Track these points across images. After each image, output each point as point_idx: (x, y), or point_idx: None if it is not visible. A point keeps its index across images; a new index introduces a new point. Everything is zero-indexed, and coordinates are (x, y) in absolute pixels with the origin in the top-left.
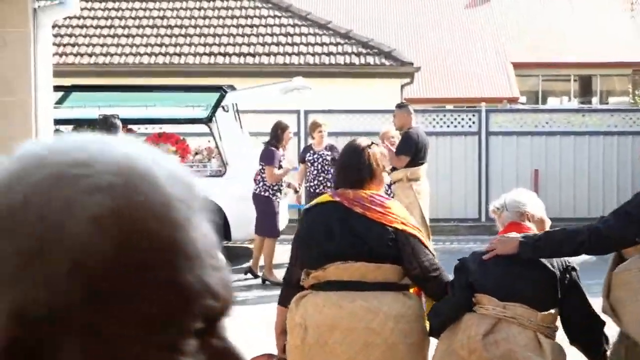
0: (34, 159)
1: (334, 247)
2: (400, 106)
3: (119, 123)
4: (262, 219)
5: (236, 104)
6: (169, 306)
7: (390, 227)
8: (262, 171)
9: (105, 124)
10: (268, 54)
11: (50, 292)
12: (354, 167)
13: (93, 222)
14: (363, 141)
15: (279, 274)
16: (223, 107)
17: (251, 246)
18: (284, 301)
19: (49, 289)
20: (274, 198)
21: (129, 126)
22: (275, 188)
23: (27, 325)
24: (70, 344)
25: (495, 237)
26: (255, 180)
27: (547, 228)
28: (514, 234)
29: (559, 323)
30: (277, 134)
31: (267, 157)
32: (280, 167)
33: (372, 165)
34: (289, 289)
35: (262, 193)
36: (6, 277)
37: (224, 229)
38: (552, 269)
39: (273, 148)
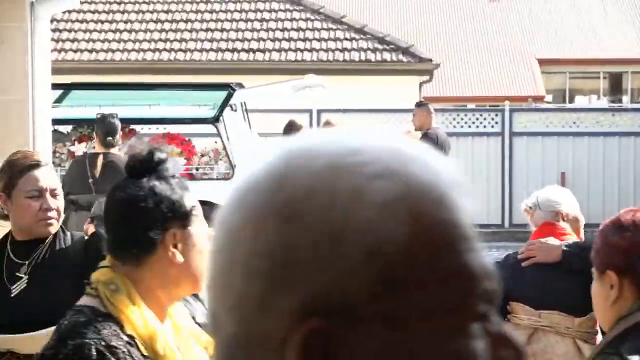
0: (303, 151)
1: None
2: (419, 105)
3: (117, 123)
4: None
5: (245, 103)
6: (458, 290)
7: None
8: None
9: (103, 124)
10: (279, 50)
11: (345, 283)
12: None
13: (383, 207)
14: None
15: None
16: (231, 106)
17: None
18: None
19: (344, 279)
20: None
21: (132, 126)
22: None
23: (322, 319)
24: (364, 336)
25: (531, 241)
26: None
27: (582, 226)
28: (552, 240)
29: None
30: (290, 135)
31: None
32: None
33: None
34: None
35: None
36: (297, 269)
37: None
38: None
39: None
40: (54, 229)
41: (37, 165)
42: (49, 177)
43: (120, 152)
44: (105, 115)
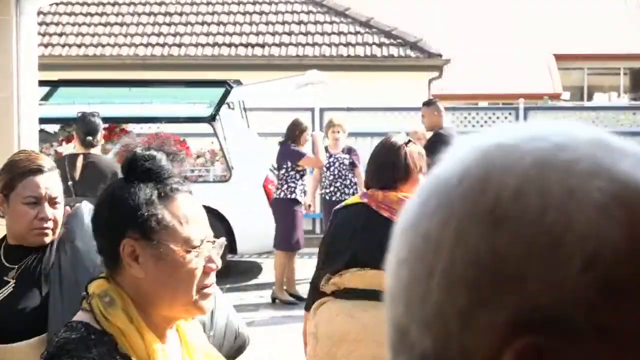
0: (503, 149)
1: (351, 252)
2: (428, 104)
3: (98, 122)
4: (285, 228)
5: (243, 101)
6: None
7: None
8: (288, 173)
9: (83, 123)
10: (279, 45)
11: (561, 293)
12: (387, 166)
13: (601, 209)
14: (399, 138)
15: (302, 290)
16: (228, 104)
17: (260, 261)
18: (308, 307)
19: (560, 288)
20: (300, 200)
21: (123, 125)
22: (301, 189)
23: (535, 334)
24: (579, 351)
25: None
26: (278, 184)
27: None
28: None
29: None
30: (295, 134)
31: (295, 153)
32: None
33: (409, 165)
34: (314, 294)
35: (288, 196)
36: (507, 279)
37: (228, 240)
38: None
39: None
40: (48, 239)
41: (39, 170)
42: (50, 184)
43: (109, 153)
44: (86, 114)
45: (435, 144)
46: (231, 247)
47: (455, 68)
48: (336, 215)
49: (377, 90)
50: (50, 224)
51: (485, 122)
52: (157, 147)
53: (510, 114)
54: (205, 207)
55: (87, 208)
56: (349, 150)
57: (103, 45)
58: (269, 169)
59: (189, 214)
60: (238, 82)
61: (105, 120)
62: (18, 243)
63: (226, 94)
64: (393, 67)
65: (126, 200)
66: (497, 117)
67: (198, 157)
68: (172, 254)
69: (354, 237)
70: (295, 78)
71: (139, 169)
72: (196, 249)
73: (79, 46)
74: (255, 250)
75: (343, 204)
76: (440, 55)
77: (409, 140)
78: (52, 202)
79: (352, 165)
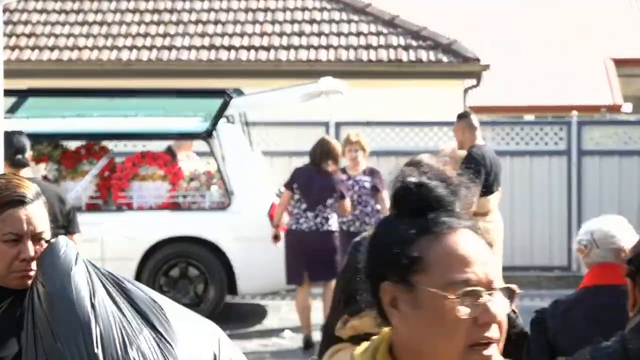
0: None
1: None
2: (459, 117)
3: (26, 140)
4: (336, 259)
5: (244, 114)
6: None
7: None
8: (335, 203)
9: (11, 142)
10: (287, 47)
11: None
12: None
13: None
14: (429, 159)
15: (315, 337)
16: (227, 118)
17: (264, 303)
18: (321, 355)
19: None
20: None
21: (103, 143)
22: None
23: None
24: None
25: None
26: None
27: None
28: None
29: None
30: (321, 156)
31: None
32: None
33: None
34: (328, 340)
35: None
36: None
37: (227, 279)
38: None
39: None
40: (31, 281)
41: (20, 201)
42: (34, 217)
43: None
44: (11, 132)
45: (466, 163)
46: (231, 286)
47: (495, 75)
48: (356, 248)
49: (403, 101)
50: (34, 265)
51: (532, 138)
52: (434, 175)
53: (561, 129)
54: (199, 239)
55: (64, 243)
56: (371, 172)
57: (80, 48)
58: (275, 194)
59: (466, 254)
60: (239, 92)
61: (82, 136)
62: None
63: (225, 106)
64: (422, 73)
65: (388, 237)
66: (546, 133)
67: (191, 180)
68: (430, 300)
69: None
70: (307, 86)
71: (407, 199)
72: (468, 295)
73: (52, 49)
74: (259, 291)
75: (365, 234)
76: (478, 60)
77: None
78: (37, 238)
79: (374, 190)
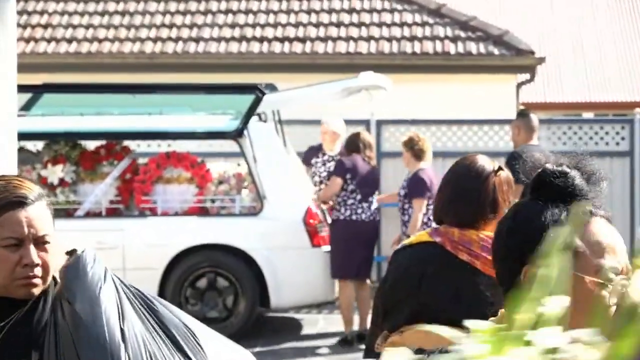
0: None
1: (417, 304)
2: (519, 115)
3: None
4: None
5: (278, 111)
6: None
7: None
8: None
9: None
10: (324, 39)
11: None
12: (469, 197)
13: None
14: (486, 162)
15: None
16: (259, 116)
17: (299, 317)
18: None
19: None
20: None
21: (124, 143)
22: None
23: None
24: None
25: None
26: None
27: None
28: None
29: None
30: (353, 153)
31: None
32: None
33: (497, 200)
34: (367, 357)
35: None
36: None
37: (259, 291)
38: None
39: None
40: (38, 289)
41: (21, 202)
42: (37, 219)
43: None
44: None
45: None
46: (263, 299)
47: (550, 69)
48: (397, 257)
49: (450, 97)
50: (38, 271)
51: (591, 138)
52: (571, 164)
53: (623, 128)
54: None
55: (92, 257)
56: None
57: (100, 40)
58: (312, 198)
59: (611, 242)
60: (272, 87)
61: (102, 135)
62: (1, 295)
63: (256, 102)
64: (471, 67)
65: (531, 222)
66: (607, 133)
67: (220, 183)
68: (580, 285)
69: (421, 285)
70: (345, 82)
71: (548, 187)
72: (610, 282)
73: (70, 41)
74: (294, 304)
75: (406, 241)
76: (533, 52)
77: (500, 167)
78: (40, 241)
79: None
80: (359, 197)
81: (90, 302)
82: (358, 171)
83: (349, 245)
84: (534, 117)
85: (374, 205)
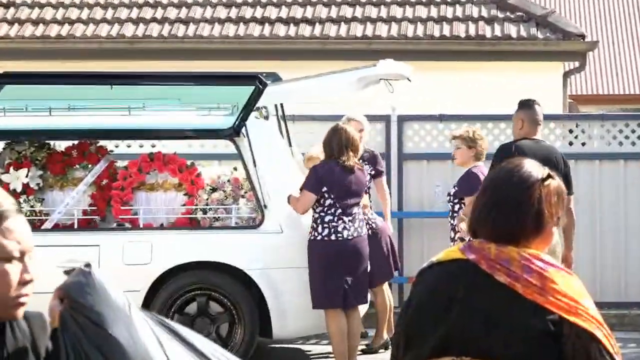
0: None
1: (445, 333)
2: (521, 105)
3: None
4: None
5: (281, 106)
6: None
7: (551, 313)
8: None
9: None
10: (336, 21)
11: None
12: (510, 208)
13: None
14: (534, 168)
15: None
16: (260, 110)
17: (307, 348)
18: None
19: None
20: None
21: (100, 143)
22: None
23: None
24: None
25: None
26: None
27: None
28: None
29: None
30: (333, 145)
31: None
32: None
33: (543, 212)
34: None
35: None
36: None
37: (260, 318)
38: None
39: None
40: (22, 311)
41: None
42: (17, 233)
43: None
44: None
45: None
46: (264, 327)
47: (604, 56)
48: (422, 277)
49: (485, 89)
50: (30, 289)
51: None
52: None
53: None
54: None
55: (104, 274)
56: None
57: (72, 22)
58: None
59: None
60: (275, 77)
61: (74, 134)
62: None
63: (257, 95)
64: (510, 53)
65: None
66: None
67: (213, 190)
68: None
69: (451, 310)
70: (362, 71)
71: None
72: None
73: (36, 23)
74: (300, 333)
75: (434, 259)
76: (583, 37)
77: (550, 175)
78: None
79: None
80: (338, 211)
81: (126, 326)
82: (335, 181)
83: (331, 270)
84: (539, 109)
85: (360, 217)
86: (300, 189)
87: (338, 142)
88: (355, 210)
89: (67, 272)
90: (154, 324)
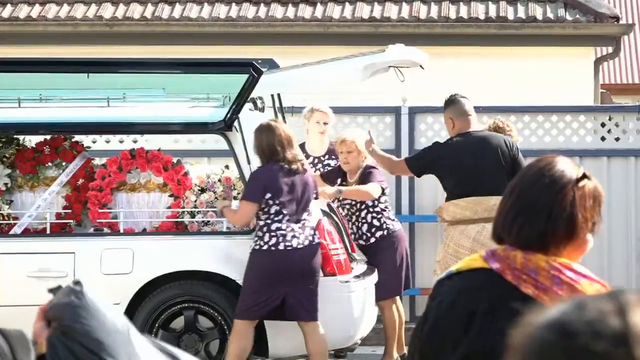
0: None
1: (465, 351)
2: (447, 103)
3: None
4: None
5: (279, 96)
6: None
7: None
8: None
9: None
10: (340, 2)
11: None
12: (539, 211)
13: None
14: (567, 167)
15: None
16: (254, 102)
17: None
18: None
19: None
20: None
21: (75, 138)
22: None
23: None
24: None
25: None
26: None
27: None
28: None
29: None
30: (263, 143)
31: None
32: None
33: (576, 216)
34: None
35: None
36: None
37: (254, 334)
38: None
39: None
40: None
41: None
42: None
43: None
44: None
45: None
46: (258, 345)
47: (637, 42)
48: (440, 289)
49: (507, 77)
50: None
51: None
52: None
53: None
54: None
55: (96, 292)
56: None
57: (42, 2)
58: (321, 210)
59: None
60: (271, 64)
61: (46, 128)
62: None
63: (251, 85)
64: (535, 37)
65: None
66: None
67: (202, 191)
68: None
69: (471, 326)
70: (369, 57)
71: None
72: None
73: (2, 3)
74: (299, 351)
75: (453, 269)
76: (617, 19)
77: (585, 175)
78: None
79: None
80: (286, 218)
81: (128, 355)
82: (280, 186)
83: (268, 283)
84: (465, 100)
85: (310, 224)
86: (240, 200)
87: (277, 141)
88: (304, 216)
89: (52, 291)
90: (156, 350)
